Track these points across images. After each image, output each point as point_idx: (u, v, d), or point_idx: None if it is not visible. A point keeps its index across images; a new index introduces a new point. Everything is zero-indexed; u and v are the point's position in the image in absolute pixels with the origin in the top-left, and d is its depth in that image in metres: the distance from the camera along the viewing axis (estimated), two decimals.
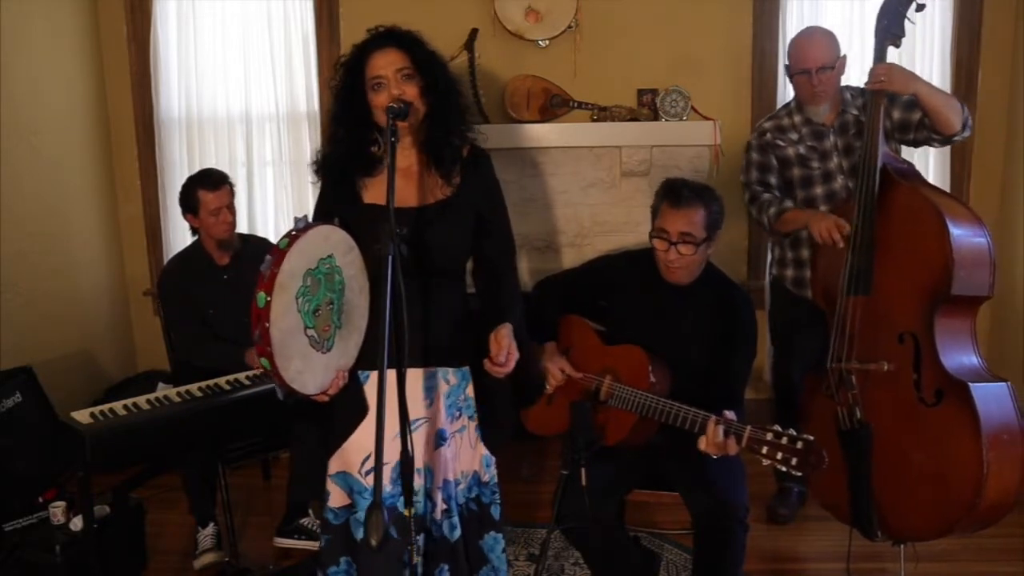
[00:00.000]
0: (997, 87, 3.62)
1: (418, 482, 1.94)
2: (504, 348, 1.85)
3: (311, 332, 1.70)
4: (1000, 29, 3.60)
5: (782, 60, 3.64)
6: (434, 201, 1.94)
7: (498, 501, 2.07)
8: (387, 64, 1.86)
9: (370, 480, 1.88)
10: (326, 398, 1.82)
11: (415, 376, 1.93)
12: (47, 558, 2.53)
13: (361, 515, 1.93)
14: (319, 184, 2.02)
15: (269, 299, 1.59)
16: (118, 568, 2.68)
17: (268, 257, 1.62)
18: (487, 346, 1.92)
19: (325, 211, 1.95)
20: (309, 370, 1.73)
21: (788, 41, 3.57)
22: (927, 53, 3.61)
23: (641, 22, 3.70)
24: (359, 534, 1.93)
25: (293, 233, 1.66)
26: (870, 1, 3.55)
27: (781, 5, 3.65)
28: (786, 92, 3.66)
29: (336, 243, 1.74)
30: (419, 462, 1.94)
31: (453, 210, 1.94)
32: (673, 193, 2.31)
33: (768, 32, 3.68)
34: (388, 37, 1.89)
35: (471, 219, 1.97)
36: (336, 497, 1.98)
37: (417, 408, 1.93)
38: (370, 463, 1.89)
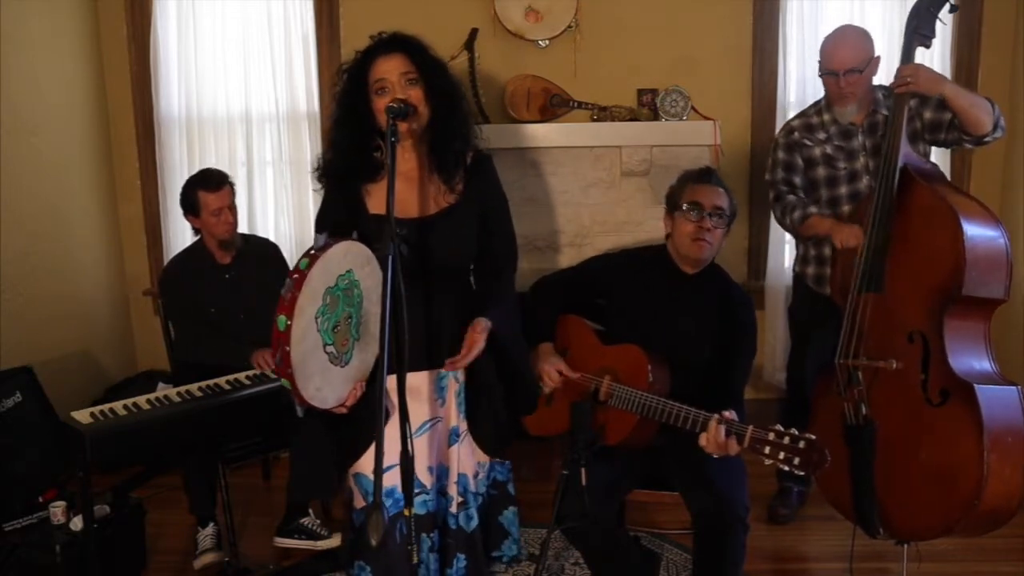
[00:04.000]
0: (997, 87, 3.61)
1: (429, 480, 1.98)
2: (467, 343, 1.89)
3: (330, 349, 1.71)
4: (1000, 29, 3.60)
5: (782, 60, 3.65)
6: (437, 210, 1.95)
7: (512, 478, 2.13)
8: (392, 68, 1.87)
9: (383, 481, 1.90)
10: (344, 410, 1.82)
11: (424, 377, 1.96)
12: (47, 558, 2.53)
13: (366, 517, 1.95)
14: (321, 191, 2.02)
15: (290, 323, 1.59)
16: (118, 568, 2.68)
17: (288, 280, 1.62)
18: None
19: (330, 219, 1.96)
20: (328, 385, 1.73)
21: (788, 41, 3.63)
22: (927, 53, 3.59)
23: (641, 22, 3.70)
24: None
25: (313, 253, 1.65)
26: (870, 1, 3.55)
27: (781, 5, 3.65)
28: (787, 92, 3.66)
29: (354, 257, 1.73)
30: (433, 460, 1.99)
31: (457, 217, 1.95)
32: (702, 175, 2.41)
33: (768, 32, 3.68)
34: (393, 42, 1.90)
35: (475, 223, 1.98)
36: (357, 498, 2.01)
37: (431, 407, 1.98)
38: (385, 462, 1.93)
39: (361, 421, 1.88)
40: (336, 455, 2.00)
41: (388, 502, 1.94)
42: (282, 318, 1.59)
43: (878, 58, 2.70)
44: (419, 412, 1.94)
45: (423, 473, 1.95)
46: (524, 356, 2.18)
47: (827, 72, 2.70)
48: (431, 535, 1.98)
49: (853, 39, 2.69)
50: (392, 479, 1.75)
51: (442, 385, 2.00)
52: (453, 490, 2.00)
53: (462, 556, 2.01)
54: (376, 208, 1.94)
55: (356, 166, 1.94)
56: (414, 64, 1.88)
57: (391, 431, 1.69)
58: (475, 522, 2.02)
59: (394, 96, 1.84)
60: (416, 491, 1.88)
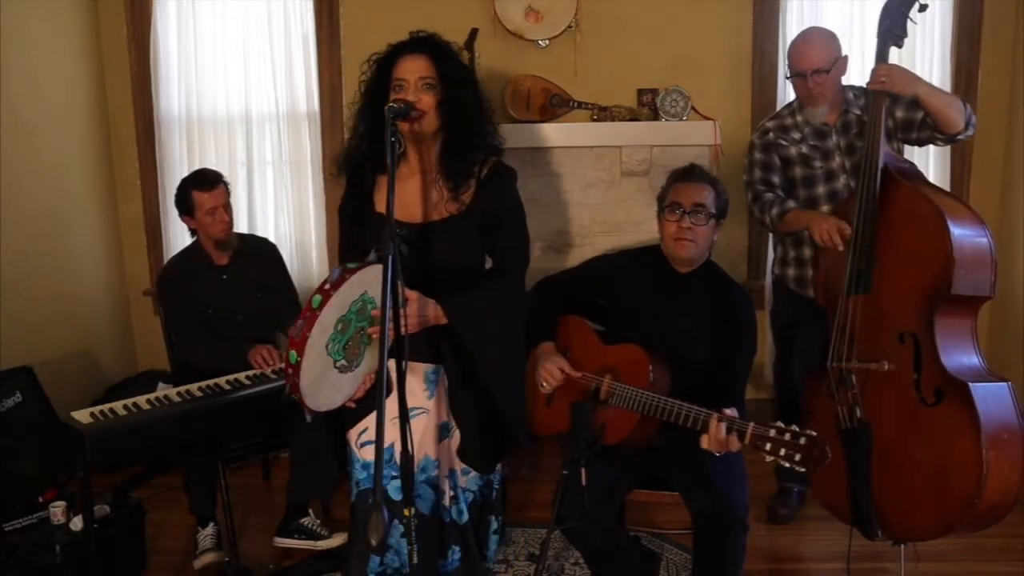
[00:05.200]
0: (997, 87, 3.62)
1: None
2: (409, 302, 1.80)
3: (341, 363, 1.73)
4: (1000, 29, 3.60)
5: (782, 60, 3.65)
6: (438, 217, 1.96)
7: (496, 485, 2.13)
8: (412, 70, 1.88)
9: (363, 453, 1.97)
10: (353, 405, 1.83)
11: (418, 367, 1.97)
12: (47, 558, 2.53)
13: (351, 484, 2.01)
14: (338, 181, 2.05)
15: (300, 359, 1.61)
16: (118, 568, 2.68)
17: (300, 320, 1.63)
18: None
19: (347, 215, 2.01)
20: (338, 391, 1.76)
21: (788, 41, 3.63)
22: (927, 54, 3.61)
23: (641, 22, 3.70)
24: (352, 496, 2.03)
25: (326, 288, 1.65)
26: (870, 0, 3.55)
27: (781, 5, 3.65)
28: (786, 92, 3.66)
29: (369, 280, 1.73)
30: (419, 452, 1.98)
31: (454, 228, 1.95)
32: (684, 173, 2.42)
33: (768, 32, 3.68)
34: (421, 44, 1.91)
35: (475, 235, 1.98)
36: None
37: (417, 398, 1.97)
38: (365, 436, 1.97)
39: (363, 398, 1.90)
40: (336, 426, 2.01)
41: (364, 475, 1.98)
42: (292, 353, 1.62)
43: (845, 58, 2.71)
44: (410, 398, 1.94)
45: None
46: (505, 379, 2.01)
47: (795, 74, 2.71)
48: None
49: (819, 40, 2.70)
50: (371, 453, 1.77)
51: (434, 379, 2.00)
52: (445, 484, 2.01)
53: (456, 548, 2.03)
54: (382, 206, 1.96)
55: (369, 156, 1.95)
56: (436, 70, 1.88)
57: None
58: (466, 516, 2.04)
59: (405, 96, 1.84)
60: (393, 475, 1.86)
